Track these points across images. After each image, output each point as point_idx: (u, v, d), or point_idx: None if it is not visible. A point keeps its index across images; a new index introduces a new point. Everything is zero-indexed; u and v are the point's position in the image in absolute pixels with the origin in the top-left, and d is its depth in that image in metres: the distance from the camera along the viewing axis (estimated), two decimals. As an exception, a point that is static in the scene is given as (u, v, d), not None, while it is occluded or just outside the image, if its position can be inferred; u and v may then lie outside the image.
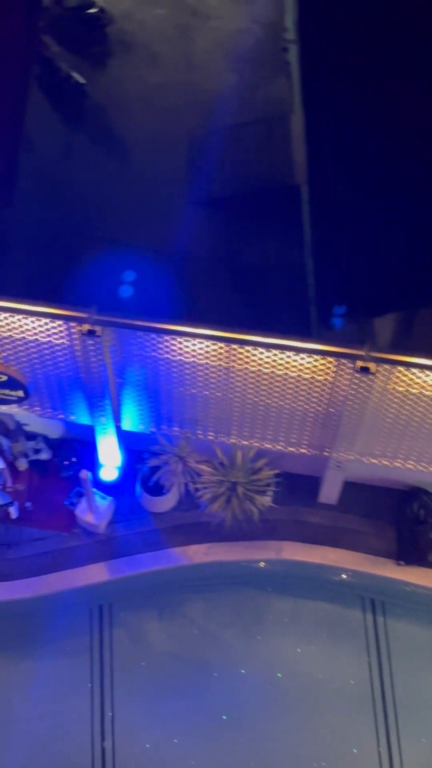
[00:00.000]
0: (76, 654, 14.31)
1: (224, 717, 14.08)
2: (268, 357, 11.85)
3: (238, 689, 14.22)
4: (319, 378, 12.07)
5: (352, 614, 14.64)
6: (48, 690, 14.17)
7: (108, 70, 14.31)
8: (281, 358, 11.85)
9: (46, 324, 11.79)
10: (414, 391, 12.03)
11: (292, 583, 14.67)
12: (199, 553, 14.24)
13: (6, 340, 12.11)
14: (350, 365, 11.68)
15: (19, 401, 13.06)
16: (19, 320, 11.78)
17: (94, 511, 14.10)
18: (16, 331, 11.94)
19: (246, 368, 12.14)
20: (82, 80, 13.95)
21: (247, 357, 11.92)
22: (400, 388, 12.04)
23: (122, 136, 13.79)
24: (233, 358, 12.01)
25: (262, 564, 14.47)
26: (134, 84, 14.17)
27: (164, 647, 14.41)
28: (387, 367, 11.68)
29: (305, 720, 14.16)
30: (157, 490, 14.09)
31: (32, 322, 11.77)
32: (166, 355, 12.14)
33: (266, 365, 11.98)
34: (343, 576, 14.49)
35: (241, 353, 11.90)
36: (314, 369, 11.96)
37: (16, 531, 14.30)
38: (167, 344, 11.97)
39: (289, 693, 14.28)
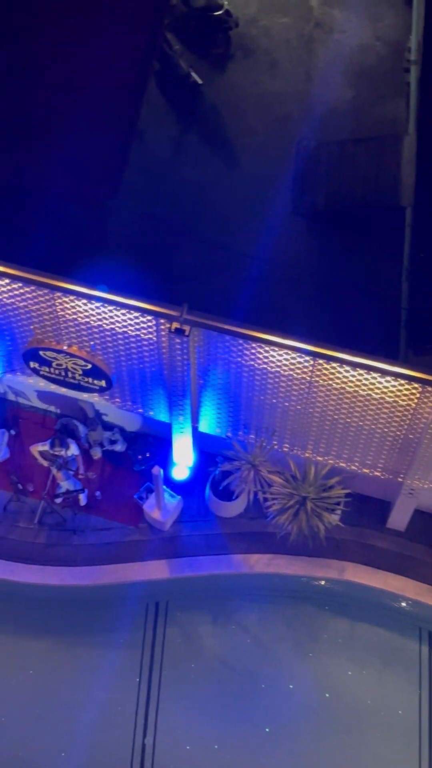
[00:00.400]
0: (129, 647, 14.39)
1: (267, 730, 14.03)
2: (353, 376, 11.78)
3: (285, 704, 14.15)
4: (402, 402, 11.95)
5: (408, 644, 14.47)
6: (97, 679, 14.25)
7: (226, 73, 14.33)
8: (366, 379, 11.77)
9: (137, 318, 11.89)
10: None
11: (350, 605, 14.56)
12: (260, 563, 14.21)
13: (95, 330, 12.24)
14: (435, 394, 11.58)
15: (101, 391, 13.19)
16: (110, 311, 11.89)
17: (162, 509, 14.15)
18: (106, 321, 12.06)
19: (329, 384, 12.07)
20: (199, 80, 14.00)
21: (332, 373, 11.86)
22: None
23: (232, 140, 13.78)
24: (318, 372, 11.96)
25: (322, 582, 14.39)
26: (251, 89, 14.17)
27: (215, 652, 14.41)
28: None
29: (348, 743, 14.03)
30: (227, 494, 14.09)
31: (123, 314, 11.88)
32: (251, 362, 12.14)
33: (350, 384, 11.91)
34: (404, 604, 14.34)
35: (326, 369, 11.84)
36: (398, 393, 11.85)
37: (82, 518, 14.43)
38: (253, 351, 11.97)
39: (335, 714, 14.16)
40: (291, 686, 14.23)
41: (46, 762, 13.89)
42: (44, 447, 14.11)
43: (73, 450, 14.13)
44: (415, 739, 14.01)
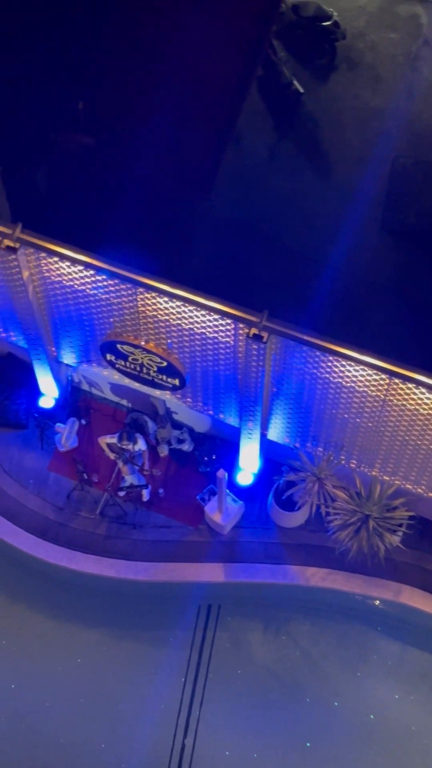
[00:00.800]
0: (177, 647, 14.38)
1: (308, 744, 13.95)
2: (428, 398, 11.66)
3: (328, 720, 14.06)
4: None
5: None
6: (143, 674, 14.29)
7: (328, 84, 14.27)
8: (442, 402, 11.65)
9: (216, 320, 11.86)
10: None
11: (403, 629, 14.41)
12: (316, 577, 14.13)
13: (174, 328, 12.26)
14: None
15: (174, 389, 13.20)
16: (190, 311, 11.88)
17: (223, 512, 14.11)
18: (185, 321, 12.06)
19: (403, 404, 11.96)
20: (301, 89, 13.98)
21: (407, 394, 11.74)
22: None
23: (328, 152, 13.73)
24: (392, 391, 11.85)
25: (377, 602, 14.28)
26: (351, 102, 14.11)
27: (263, 661, 14.36)
28: None
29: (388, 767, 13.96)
30: (289, 505, 13.99)
31: (203, 315, 11.85)
32: (326, 375, 12.07)
33: (425, 406, 11.78)
34: (457, 634, 14.17)
35: (401, 389, 11.73)
36: (472, 420, 11.70)
37: (143, 514, 14.46)
38: (329, 364, 11.89)
39: (378, 737, 14.04)
40: (336, 703, 14.14)
41: (86, 752, 13.97)
42: (112, 439, 14.17)
43: (141, 445, 14.18)
44: (456, 771, 13.90)
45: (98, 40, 12.98)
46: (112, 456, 14.33)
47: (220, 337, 12.10)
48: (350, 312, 12.83)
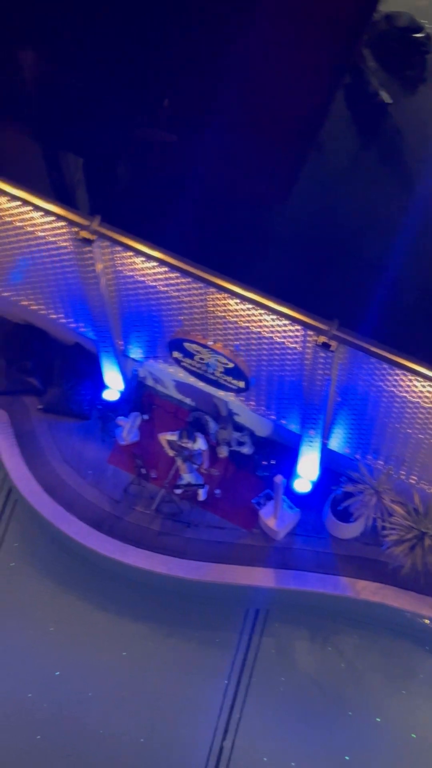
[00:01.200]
0: (222, 648, 14.41)
1: (347, 758, 13.87)
2: None
3: (369, 736, 13.97)
4: None
5: None
6: (186, 673, 14.33)
7: (416, 97, 14.11)
8: None
9: (285, 326, 11.82)
10: None
11: (452, 650, 14.32)
12: (367, 590, 14.03)
13: (242, 330, 12.25)
14: None
15: (238, 392, 13.19)
16: (260, 315, 11.87)
17: (278, 518, 14.07)
18: (254, 324, 12.05)
19: (468, 424, 11.88)
20: (388, 100, 13.85)
21: (473, 414, 11.65)
22: None
23: (411, 164, 13.59)
24: (458, 410, 11.77)
25: (427, 621, 14.11)
26: (438, 116, 14.02)
27: (307, 670, 14.32)
28: None
29: None
30: (345, 516, 13.91)
31: (272, 320, 11.84)
32: (392, 389, 11.98)
33: None
34: None
35: (467, 408, 11.63)
36: None
37: (198, 513, 14.47)
38: (396, 378, 11.80)
39: (419, 757, 13.91)
40: (378, 719, 14.05)
41: (124, 745, 14.04)
42: (173, 437, 14.20)
43: (200, 444, 14.19)
44: None
45: (189, 39, 12.97)
46: (171, 453, 14.37)
47: (287, 343, 12.07)
48: (423, 327, 12.69)
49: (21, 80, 12.66)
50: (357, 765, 13.88)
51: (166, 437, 14.26)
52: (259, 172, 12.99)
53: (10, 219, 12.35)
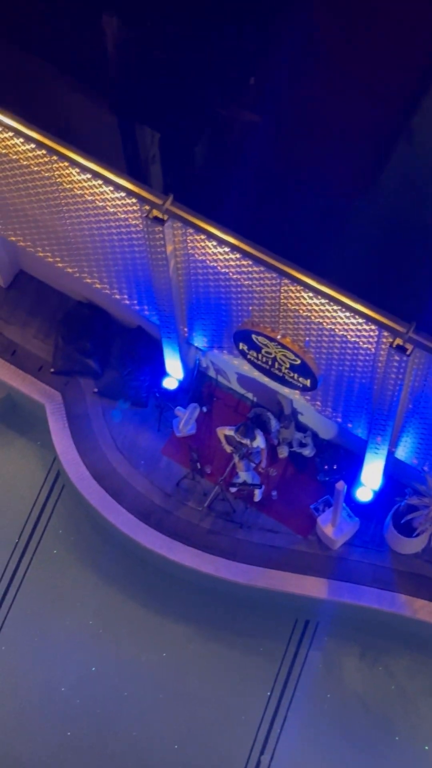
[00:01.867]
0: (267, 657, 14.38)
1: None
2: None
3: (416, 764, 13.83)
4: None
5: None
6: (228, 681, 14.34)
7: None
8: None
9: (360, 324, 11.60)
10: None
11: None
12: (425, 610, 13.87)
13: (314, 326, 12.04)
14: None
15: (304, 390, 13.01)
16: (334, 311, 11.65)
17: (336, 526, 13.93)
18: (327, 320, 11.84)
19: None
20: None
21: None
22: None
23: None
24: None
25: None
26: None
27: (355, 689, 14.21)
28: None
29: None
30: (407, 530, 13.73)
31: (347, 317, 11.61)
32: None
33: None
34: None
35: None
36: None
37: (252, 514, 14.41)
38: None
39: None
40: (426, 747, 13.89)
41: (157, 749, 14.06)
42: (230, 432, 14.11)
43: (259, 442, 14.05)
44: None
45: (281, 14, 12.84)
46: (228, 449, 14.27)
47: (361, 343, 11.86)
48: None
49: (102, 46, 12.63)
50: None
51: (224, 431, 14.15)
52: (343, 159, 12.79)
53: (81, 192, 12.36)
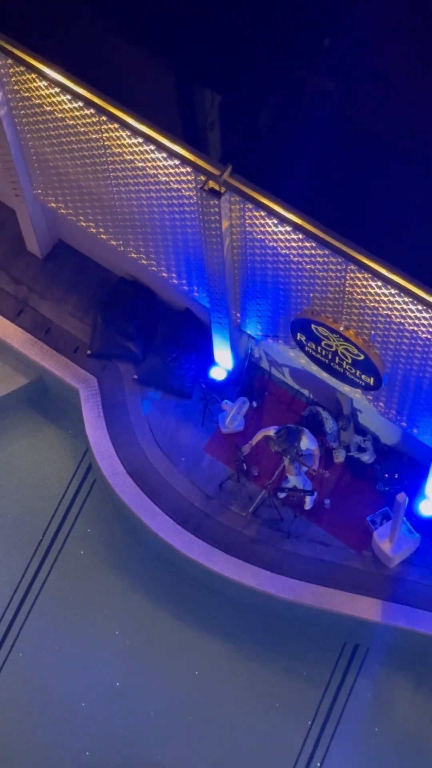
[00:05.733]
0: (311, 683, 14.40)
1: None
2: None
3: None
4: None
5: None
6: (265, 707, 14.35)
7: None
8: None
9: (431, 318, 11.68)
10: None
11: None
12: None
13: (381, 319, 12.08)
14: None
15: (366, 389, 13.07)
16: (406, 303, 11.67)
17: (395, 542, 13.93)
18: (396, 314, 11.86)
19: None
20: None
21: None
22: None
23: None
24: None
25: None
26: None
27: (406, 724, 14.18)
28: None
29: None
30: None
31: (419, 311, 11.63)
32: None
33: None
34: None
35: None
36: None
37: (302, 524, 14.45)
38: None
39: None
40: None
41: None
42: (277, 432, 14.13)
43: (307, 444, 14.03)
44: None
45: None
46: (276, 450, 14.24)
47: None
48: None
49: None
50: None
51: (268, 433, 14.14)
52: (424, 135, 12.75)
53: (131, 157, 12.49)
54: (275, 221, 11.89)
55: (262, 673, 14.44)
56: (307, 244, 11.91)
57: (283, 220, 11.74)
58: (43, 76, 12.13)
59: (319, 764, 14.01)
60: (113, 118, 12.01)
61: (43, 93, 12.48)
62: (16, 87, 12.70)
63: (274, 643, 14.53)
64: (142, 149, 12.26)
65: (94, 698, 14.39)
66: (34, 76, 12.30)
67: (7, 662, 14.52)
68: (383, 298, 11.82)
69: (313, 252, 11.97)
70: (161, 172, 12.38)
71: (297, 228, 11.71)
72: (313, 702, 14.26)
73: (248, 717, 14.25)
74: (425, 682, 14.31)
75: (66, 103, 12.41)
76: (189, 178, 12.16)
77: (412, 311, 11.70)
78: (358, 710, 14.22)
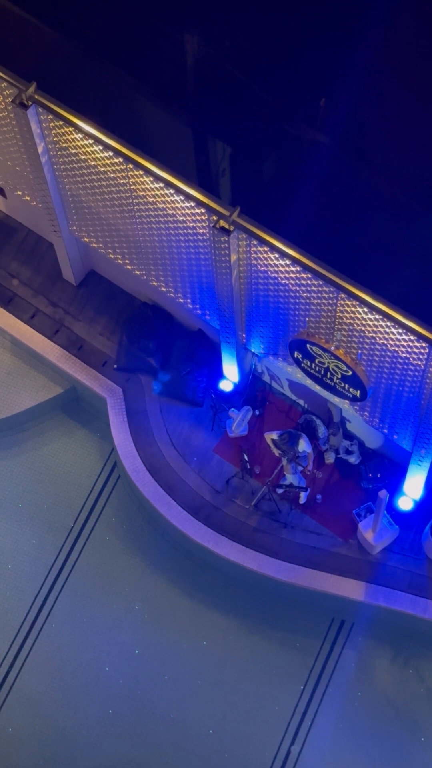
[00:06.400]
0: (303, 653, 14.29)
1: (414, 785, 13.59)
2: None
3: None
4: None
5: None
6: (264, 672, 14.26)
7: None
8: None
9: (411, 341, 11.51)
10: None
11: None
12: None
13: (367, 340, 11.98)
14: None
15: (353, 400, 12.94)
16: (388, 327, 11.57)
17: (377, 532, 13.83)
18: (380, 335, 11.76)
19: None
20: None
21: None
22: None
23: None
24: None
25: None
26: None
27: (385, 689, 14.06)
28: None
29: None
30: None
31: (399, 334, 11.53)
32: None
33: None
34: None
35: None
36: None
37: (297, 515, 14.34)
38: None
39: None
40: None
41: (193, 732, 14.04)
42: (277, 436, 14.10)
43: (305, 447, 14.00)
44: None
45: (355, 40, 12.79)
46: (276, 452, 14.22)
47: (411, 359, 11.77)
48: None
49: (182, 62, 12.71)
50: (424, 795, 13.66)
51: (271, 436, 14.13)
52: (405, 183, 12.72)
53: (153, 199, 12.41)
54: (276, 255, 11.81)
55: (261, 643, 14.38)
56: (304, 276, 11.82)
57: (283, 255, 11.68)
58: (78, 129, 12.10)
59: (309, 723, 13.91)
60: (138, 165, 11.97)
61: (78, 144, 12.42)
62: (55, 139, 12.65)
63: (272, 619, 14.44)
64: (162, 192, 12.18)
65: (116, 663, 14.35)
66: (71, 129, 12.24)
67: (42, 632, 14.47)
68: (369, 322, 11.72)
69: (308, 282, 11.88)
70: (179, 212, 12.31)
71: (295, 261, 11.66)
72: (304, 669, 14.18)
73: (249, 681, 14.21)
74: (401, 653, 14.22)
75: (98, 153, 12.35)
76: (203, 217, 12.10)
77: (393, 334, 11.62)
78: (343, 677, 14.14)
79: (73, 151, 12.60)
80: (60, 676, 14.30)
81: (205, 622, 14.49)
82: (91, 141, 12.20)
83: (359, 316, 11.73)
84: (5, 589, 14.62)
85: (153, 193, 12.30)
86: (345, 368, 12.48)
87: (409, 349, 11.67)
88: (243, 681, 14.20)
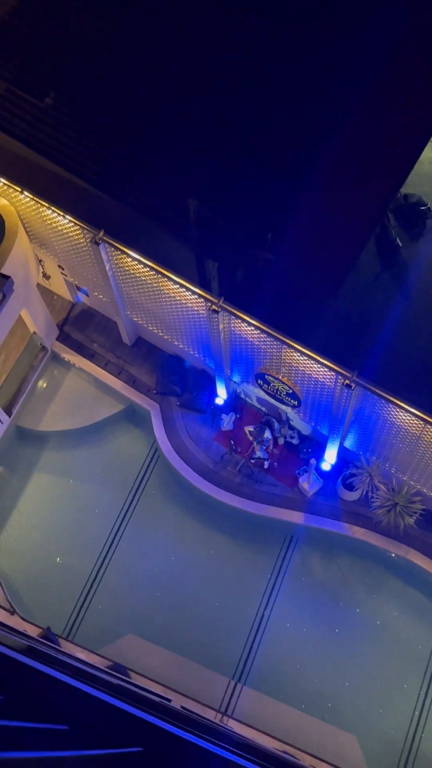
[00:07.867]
0: (269, 556, 14.07)
1: (336, 630, 13.46)
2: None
3: (351, 620, 13.54)
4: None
5: (427, 604, 13.47)
6: (246, 568, 13.96)
7: (418, 243, 13.68)
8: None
9: (326, 372, 11.71)
10: None
11: (407, 575, 13.81)
12: (359, 532, 13.77)
13: (299, 371, 12.18)
14: None
15: (294, 407, 13.06)
16: (312, 363, 11.72)
17: (310, 484, 13.95)
18: (308, 368, 11.95)
19: (430, 442, 11.58)
20: (400, 244, 13.55)
21: (433, 434, 11.31)
22: None
23: (415, 286, 13.08)
24: (426, 432, 11.51)
25: (392, 555, 13.83)
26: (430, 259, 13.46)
27: (319, 576, 14.05)
28: None
29: (361, 652, 13.24)
30: (350, 487, 13.73)
31: (319, 367, 11.70)
32: (386, 415, 11.74)
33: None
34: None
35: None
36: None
37: (263, 475, 14.34)
38: (389, 408, 11.57)
39: (380, 636, 13.43)
40: (357, 610, 13.74)
41: (206, 605, 13.70)
42: (251, 428, 14.18)
43: (267, 435, 14.07)
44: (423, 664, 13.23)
45: (290, 203, 12.68)
46: (250, 438, 14.34)
47: (326, 382, 11.96)
48: (418, 380, 12.21)
49: (187, 215, 12.57)
50: (342, 636, 13.62)
51: (248, 429, 14.21)
52: (321, 279, 12.56)
53: (173, 294, 12.52)
54: (246, 324, 11.86)
55: (245, 552, 14.16)
56: (262, 336, 11.90)
57: (250, 324, 11.74)
58: (129, 256, 12.10)
59: (276, 595, 13.73)
60: (164, 276, 11.98)
61: (129, 264, 12.39)
62: (116, 261, 12.63)
63: (251, 537, 14.26)
64: (179, 290, 12.19)
65: (160, 565, 14.13)
66: (125, 256, 12.22)
67: (116, 553, 14.12)
68: (299, 360, 11.87)
69: (265, 339, 11.96)
70: (188, 301, 12.33)
71: (257, 328, 11.74)
72: (270, 567, 13.99)
73: (238, 573, 14.02)
74: (327, 554, 14.11)
75: (141, 269, 12.29)
76: (201, 303, 12.10)
77: (314, 367, 11.77)
78: (293, 570, 13.99)
79: (126, 268, 12.65)
80: (127, 574, 14.09)
81: (211, 540, 14.32)
82: (136, 263, 12.22)
83: (294, 357, 11.89)
84: (95, 523, 14.38)
85: (173, 291, 12.37)
86: (288, 388, 12.57)
87: (324, 376, 11.84)
88: (235, 573, 14.02)
